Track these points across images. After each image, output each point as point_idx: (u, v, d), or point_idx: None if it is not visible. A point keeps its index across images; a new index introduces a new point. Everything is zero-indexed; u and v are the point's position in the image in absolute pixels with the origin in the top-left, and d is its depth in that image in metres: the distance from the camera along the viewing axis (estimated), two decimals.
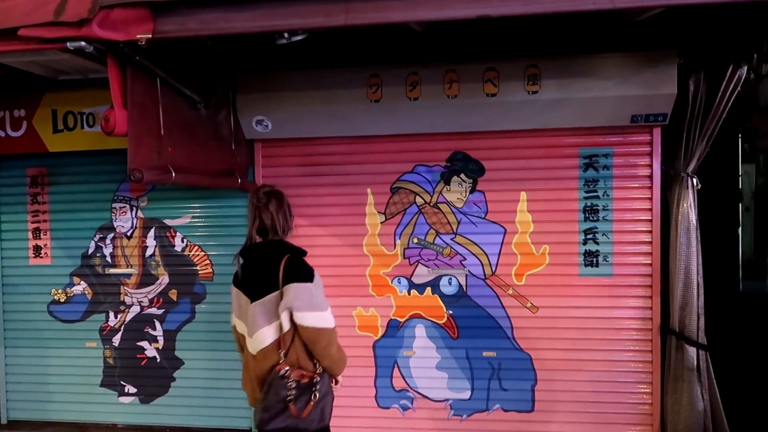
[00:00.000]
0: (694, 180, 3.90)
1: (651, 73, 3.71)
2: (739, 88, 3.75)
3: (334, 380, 2.89)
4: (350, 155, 4.32)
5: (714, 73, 3.75)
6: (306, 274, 2.69)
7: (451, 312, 4.27)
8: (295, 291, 2.63)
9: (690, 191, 3.89)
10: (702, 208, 3.98)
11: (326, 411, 2.78)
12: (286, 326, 2.65)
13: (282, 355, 2.68)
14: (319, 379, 2.72)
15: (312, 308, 2.64)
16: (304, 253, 2.82)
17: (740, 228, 5.48)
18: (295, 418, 2.64)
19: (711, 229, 4.18)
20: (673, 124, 3.91)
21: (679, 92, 3.73)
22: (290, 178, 4.38)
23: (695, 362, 3.88)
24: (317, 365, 2.73)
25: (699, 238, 3.90)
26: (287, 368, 2.66)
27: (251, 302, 2.72)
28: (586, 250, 4.12)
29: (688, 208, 3.88)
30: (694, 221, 3.89)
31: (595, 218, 4.10)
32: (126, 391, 4.72)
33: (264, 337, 2.68)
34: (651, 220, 4.03)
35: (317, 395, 2.69)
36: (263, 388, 2.69)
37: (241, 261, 2.84)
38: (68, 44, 2.58)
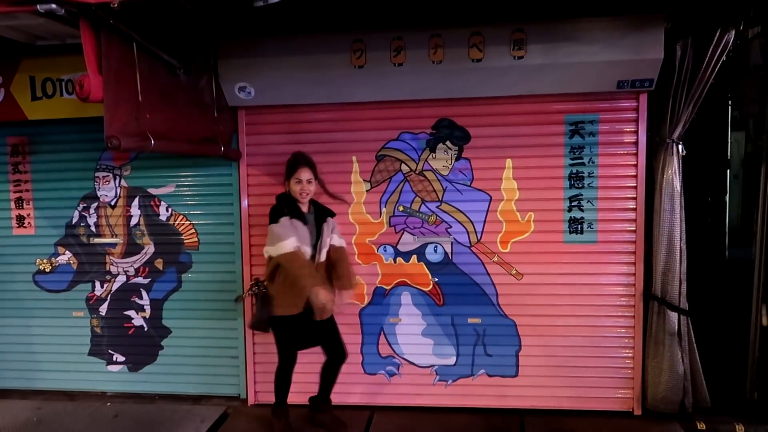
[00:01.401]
0: (680, 146, 3.89)
1: (637, 38, 3.67)
2: (726, 52, 3.73)
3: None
4: (335, 122, 4.28)
5: (701, 38, 3.72)
6: (271, 218, 3.59)
7: (436, 279, 4.29)
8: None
9: (675, 157, 3.88)
10: (690, 175, 3.99)
11: (260, 313, 3.77)
12: None
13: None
14: (254, 286, 3.80)
15: (271, 242, 3.58)
16: (284, 200, 3.67)
17: (728, 195, 5.49)
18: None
19: (698, 196, 4.19)
20: (660, 90, 3.89)
21: (665, 57, 3.69)
22: (274, 146, 4.34)
23: (676, 327, 3.94)
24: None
25: (683, 205, 3.91)
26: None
27: None
28: (571, 217, 4.12)
29: (673, 175, 3.88)
30: (679, 188, 3.89)
31: (580, 185, 4.09)
32: (114, 359, 4.74)
33: None
34: (636, 187, 4.03)
35: (253, 297, 3.83)
36: None
37: None
38: (38, 6, 2.52)
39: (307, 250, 3.62)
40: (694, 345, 3.99)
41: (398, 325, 4.36)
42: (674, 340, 3.93)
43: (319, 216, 3.77)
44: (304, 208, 3.71)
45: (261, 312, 3.76)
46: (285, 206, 3.61)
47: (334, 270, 3.82)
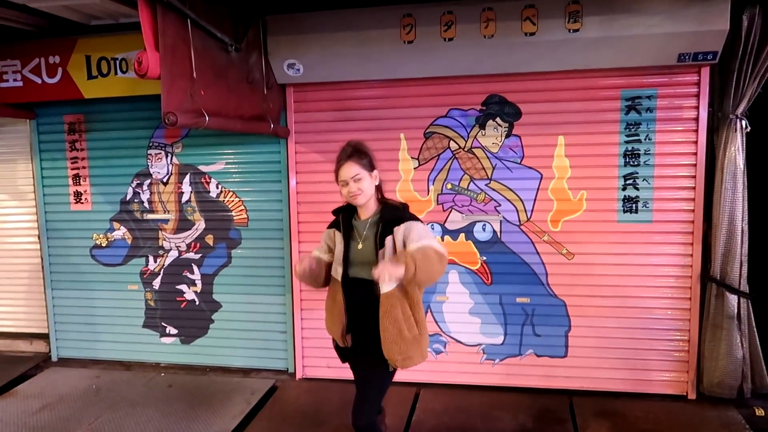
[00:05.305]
0: (743, 122, 3.73)
1: (701, 8, 3.50)
2: None
3: None
4: (383, 99, 4.25)
5: None
6: None
7: (484, 258, 4.25)
8: None
9: (738, 134, 3.72)
10: (751, 153, 3.82)
11: None
12: None
13: None
14: None
15: None
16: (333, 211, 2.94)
17: None
18: None
19: (760, 175, 4.01)
20: (723, 64, 3.72)
21: (731, 29, 3.51)
22: (322, 123, 4.35)
23: (736, 310, 3.81)
24: None
25: (746, 184, 3.76)
26: None
27: None
28: (625, 195, 4.01)
29: (736, 152, 3.72)
30: (742, 166, 3.74)
31: (635, 163, 3.97)
32: (167, 332, 4.89)
33: None
34: (695, 165, 3.89)
35: None
36: None
37: None
38: None
39: (339, 271, 2.77)
40: (754, 329, 3.86)
41: (445, 303, 4.35)
42: (733, 324, 3.80)
43: (377, 224, 2.70)
44: (365, 213, 2.77)
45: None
46: (336, 213, 2.90)
47: None
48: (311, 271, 2.75)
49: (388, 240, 2.64)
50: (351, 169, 2.66)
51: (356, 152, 2.69)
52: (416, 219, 2.71)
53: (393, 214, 2.71)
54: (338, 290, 2.77)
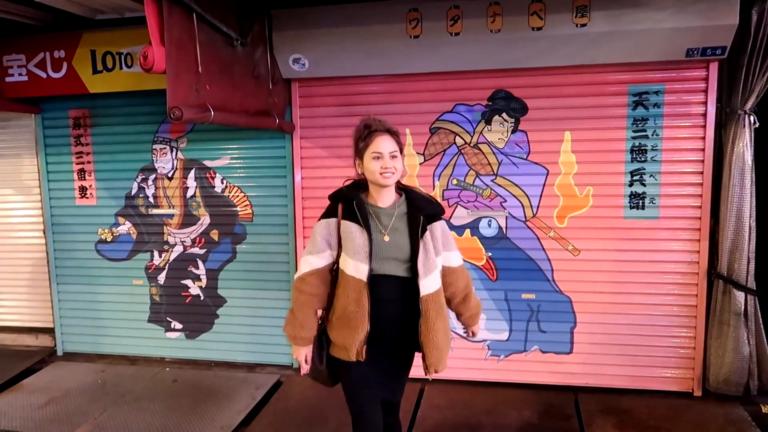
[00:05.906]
0: (752, 118, 3.70)
1: (710, 3, 3.47)
2: None
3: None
4: (388, 94, 4.23)
5: None
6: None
7: (490, 254, 4.23)
8: None
9: (747, 130, 3.70)
10: (759, 149, 3.79)
11: (316, 354, 2.59)
12: None
13: None
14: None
15: None
16: (344, 190, 2.50)
17: None
18: None
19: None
20: (731, 59, 3.69)
21: (740, 23, 3.49)
22: (327, 118, 4.33)
23: (743, 307, 3.79)
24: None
25: (754, 180, 3.73)
26: None
27: None
28: (632, 191, 3.98)
29: (744, 148, 3.70)
30: (750, 162, 3.71)
31: (642, 159, 3.94)
32: (172, 326, 4.89)
33: None
34: (703, 161, 3.86)
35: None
36: None
37: None
38: None
39: (362, 269, 2.33)
40: (761, 326, 3.85)
41: None
42: (740, 321, 3.78)
43: (414, 215, 2.42)
44: (385, 199, 2.44)
45: (316, 352, 2.57)
46: (339, 199, 2.46)
47: (453, 302, 2.67)
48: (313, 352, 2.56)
49: (427, 234, 2.41)
50: (389, 143, 2.37)
51: (391, 129, 2.43)
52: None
53: (430, 207, 2.48)
54: (363, 292, 2.33)
